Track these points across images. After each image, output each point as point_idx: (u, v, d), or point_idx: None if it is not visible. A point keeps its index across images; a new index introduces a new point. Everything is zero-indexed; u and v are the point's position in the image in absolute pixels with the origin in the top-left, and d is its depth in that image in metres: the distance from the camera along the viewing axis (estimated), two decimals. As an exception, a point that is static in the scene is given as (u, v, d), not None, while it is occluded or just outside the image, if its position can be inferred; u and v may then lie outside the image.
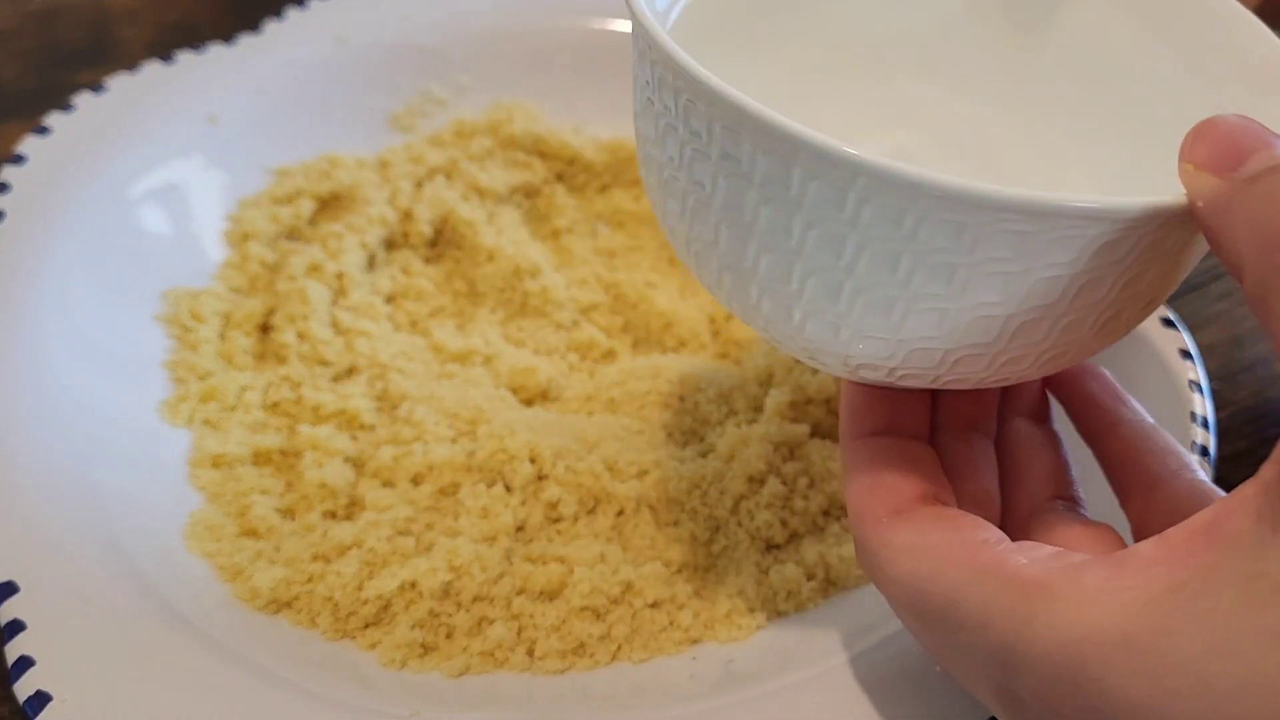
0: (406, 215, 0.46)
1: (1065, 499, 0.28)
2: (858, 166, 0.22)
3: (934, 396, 0.30)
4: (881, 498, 0.26)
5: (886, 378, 0.26)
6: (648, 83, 0.26)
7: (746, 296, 0.26)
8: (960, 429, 0.29)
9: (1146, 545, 0.21)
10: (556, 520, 0.36)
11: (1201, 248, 0.25)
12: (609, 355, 0.44)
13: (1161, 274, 0.24)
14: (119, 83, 0.46)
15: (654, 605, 0.34)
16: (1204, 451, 0.33)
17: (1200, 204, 0.22)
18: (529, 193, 0.49)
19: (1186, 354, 0.36)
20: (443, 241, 0.47)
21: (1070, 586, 0.21)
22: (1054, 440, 0.30)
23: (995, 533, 0.25)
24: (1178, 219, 0.22)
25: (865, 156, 0.22)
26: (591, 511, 0.37)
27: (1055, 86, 0.33)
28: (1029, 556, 0.23)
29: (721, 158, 0.24)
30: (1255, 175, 0.21)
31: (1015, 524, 0.28)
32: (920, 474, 0.27)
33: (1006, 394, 0.31)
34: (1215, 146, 0.22)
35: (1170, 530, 0.21)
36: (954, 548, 0.24)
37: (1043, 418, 0.30)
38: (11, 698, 0.28)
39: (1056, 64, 0.33)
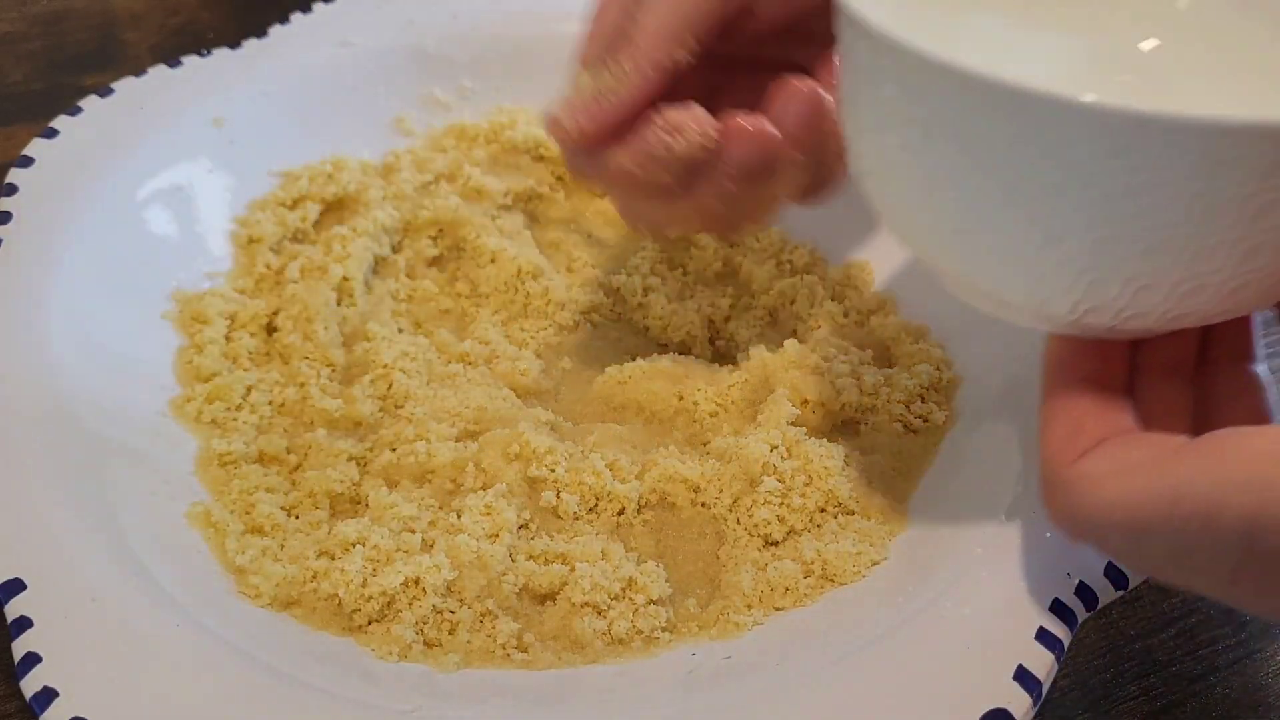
0: (411, 218, 0.46)
1: None
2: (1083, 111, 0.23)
3: (1133, 343, 0.29)
4: (1076, 442, 0.26)
5: (1110, 322, 0.26)
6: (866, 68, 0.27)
7: (975, 249, 0.26)
8: (1160, 373, 0.29)
9: None
10: (558, 518, 0.36)
11: None
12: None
13: None
14: (126, 86, 0.46)
15: (654, 602, 0.34)
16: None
17: None
18: (531, 196, 0.49)
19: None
20: (446, 244, 0.47)
21: None
22: (1256, 383, 0.29)
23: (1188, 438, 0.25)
24: None
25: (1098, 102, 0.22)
26: (593, 510, 0.37)
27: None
28: (1241, 433, 0.23)
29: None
30: None
31: None
32: (1116, 420, 0.27)
33: (1209, 334, 0.29)
34: None
35: None
36: (1163, 456, 0.24)
37: (1245, 358, 0.29)
38: (18, 694, 0.28)
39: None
